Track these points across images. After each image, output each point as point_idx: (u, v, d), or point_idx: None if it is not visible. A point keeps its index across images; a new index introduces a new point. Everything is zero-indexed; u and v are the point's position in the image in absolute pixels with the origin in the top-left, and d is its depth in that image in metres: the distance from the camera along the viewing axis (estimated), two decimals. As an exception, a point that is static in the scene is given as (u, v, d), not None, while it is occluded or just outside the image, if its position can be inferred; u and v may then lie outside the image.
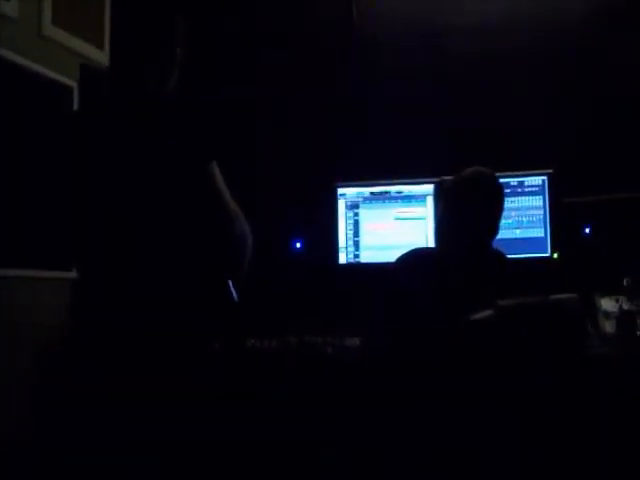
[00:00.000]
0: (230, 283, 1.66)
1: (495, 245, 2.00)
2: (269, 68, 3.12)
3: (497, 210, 1.99)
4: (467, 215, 1.95)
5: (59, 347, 2.46)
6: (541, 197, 2.65)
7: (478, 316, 1.63)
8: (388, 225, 2.79)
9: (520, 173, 2.68)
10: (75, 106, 2.66)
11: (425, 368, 1.74)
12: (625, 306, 2.37)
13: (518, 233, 2.65)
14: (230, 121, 2.87)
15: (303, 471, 2.34)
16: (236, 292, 1.67)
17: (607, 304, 2.44)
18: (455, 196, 2.01)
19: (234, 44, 3.14)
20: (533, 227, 2.65)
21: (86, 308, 1.58)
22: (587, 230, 2.69)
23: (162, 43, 1.57)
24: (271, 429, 2.35)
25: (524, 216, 2.66)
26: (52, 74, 2.59)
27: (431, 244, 2.52)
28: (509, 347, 1.64)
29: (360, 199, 2.82)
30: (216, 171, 1.51)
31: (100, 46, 2.79)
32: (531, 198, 2.66)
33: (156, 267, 1.48)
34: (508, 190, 2.62)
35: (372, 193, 2.82)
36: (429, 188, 2.75)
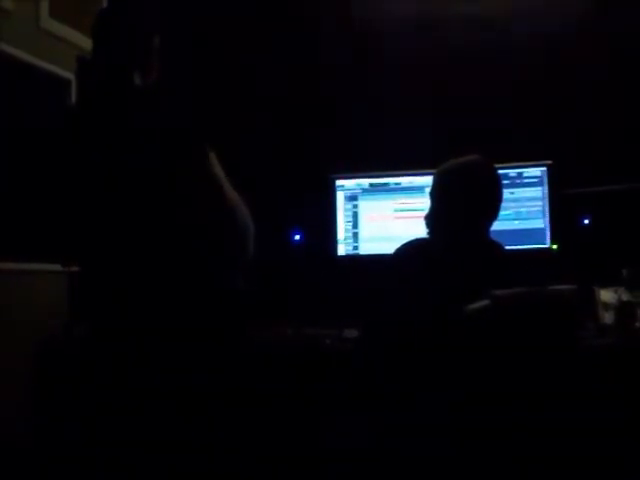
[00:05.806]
0: (237, 274, 1.66)
1: (494, 236, 1.98)
2: (267, 66, 3.11)
3: (491, 199, 1.95)
4: (457, 205, 1.93)
5: (57, 341, 2.47)
6: (540, 188, 2.65)
7: (474, 306, 1.63)
8: (387, 217, 2.79)
9: (519, 164, 2.67)
10: (73, 98, 2.66)
11: (422, 359, 1.74)
12: (624, 297, 2.37)
13: (517, 224, 2.65)
14: (227, 112, 2.88)
15: (304, 469, 2.34)
16: (244, 284, 1.67)
17: (606, 295, 2.43)
18: (445, 185, 1.99)
19: (227, 27, 3.12)
20: (532, 218, 2.64)
21: (87, 304, 1.58)
22: (586, 221, 2.69)
23: (141, 33, 1.58)
24: (271, 423, 2.36)
25: (523, 207, 2.65)
26: (50, 67, 2.59)
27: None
28: (505, 338, 1.64)
29: (359, 191, 2.81)
30: (214, 162, 1.51)
31: (98, 38, 2.78)
32: (530, 189, 2.65)
33: (158, 261, 1.48)
34: (507, 181, 2.63)
35: (371, 185, 2.81)
36: (428, 179, 2.73)
